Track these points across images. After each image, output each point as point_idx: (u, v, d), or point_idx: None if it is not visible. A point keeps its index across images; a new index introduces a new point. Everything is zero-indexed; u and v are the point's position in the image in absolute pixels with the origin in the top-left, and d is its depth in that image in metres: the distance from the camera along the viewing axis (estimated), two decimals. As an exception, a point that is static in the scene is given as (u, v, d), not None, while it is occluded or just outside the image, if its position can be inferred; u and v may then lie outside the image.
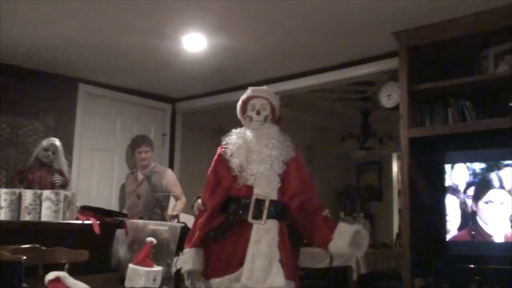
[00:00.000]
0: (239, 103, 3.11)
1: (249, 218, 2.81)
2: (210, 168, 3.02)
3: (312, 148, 7.27)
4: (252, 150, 2.90)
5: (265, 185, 2.85)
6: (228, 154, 2.93)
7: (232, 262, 2.80)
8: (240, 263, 2.76)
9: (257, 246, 2.76)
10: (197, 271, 2.87)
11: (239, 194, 2.88)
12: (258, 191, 2.84)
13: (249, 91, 3.09)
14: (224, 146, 2.98)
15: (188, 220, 3.99)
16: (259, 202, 2.82)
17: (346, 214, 6.83)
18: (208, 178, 3.00)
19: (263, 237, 2.77)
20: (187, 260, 2.87)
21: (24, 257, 2.41)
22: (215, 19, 3.89)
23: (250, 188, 2.86)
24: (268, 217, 2.81)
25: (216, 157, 3.02)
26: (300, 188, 2.93)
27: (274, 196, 2.86)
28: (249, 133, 2.98)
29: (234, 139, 2.98)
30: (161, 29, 4.06)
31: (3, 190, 3.40)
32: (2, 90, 4.85)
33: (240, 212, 2.84)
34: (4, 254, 2.36)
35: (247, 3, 3.58)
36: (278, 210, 2.85)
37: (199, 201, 3.01)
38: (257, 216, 2.81)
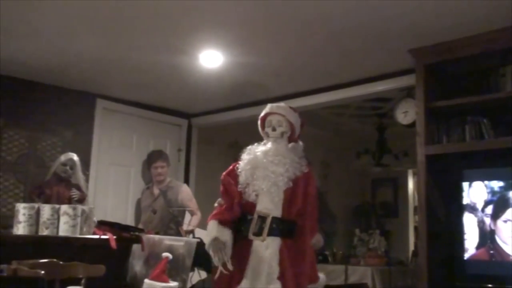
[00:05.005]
0: (259, 119, 3.12)
1: (250, 235, 2.81)
2: (222, 177, 3.01)
3: (328, 164, 7.25)
4: (258, 166, 2.90)
5: (267, 201, 2.84)
6: (239, 170, 2.95)
7: (235, 276, 2.80)
8: (242, 278, 2.77)
9: (257, 262, 2.76)
10: (221, 240, 2.79)
11: (246, 210, 2.89)
12: (260, 208, 2.84)
13: (266, 108, 3.09)
14: (239, 161, 3.00)
15: (203, 235, 3.99)
16: (261, 219, 2.82)
17: (361, 231, 6.78)
18: (222, 182, 2.99)
19: (262, 253, 2.77)
20: (210, 230, 2.83)
21: (42, 272, 2.43)
22: (231, 37, 3.92)
23: (254, 205, 2.86)
24: (270, 234, 2.80)
25: (228, 169, 3.02)
26: (303, 207, 2.91)
27: (277, 213, 2.84)
28: (258, 149, 2.98)
29: (245, 155, 3.00)
30: (179, 46, 4.10)
31: (22, 205, 3.44)
32: (21, 105, 4.93)
33: (243, 229, 2.85)
34: (24, 270, 2.38)
35: (262, 21, 3.61)
36: (282, 228, 2.84)
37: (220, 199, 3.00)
38: (258, 233, 2.80)
